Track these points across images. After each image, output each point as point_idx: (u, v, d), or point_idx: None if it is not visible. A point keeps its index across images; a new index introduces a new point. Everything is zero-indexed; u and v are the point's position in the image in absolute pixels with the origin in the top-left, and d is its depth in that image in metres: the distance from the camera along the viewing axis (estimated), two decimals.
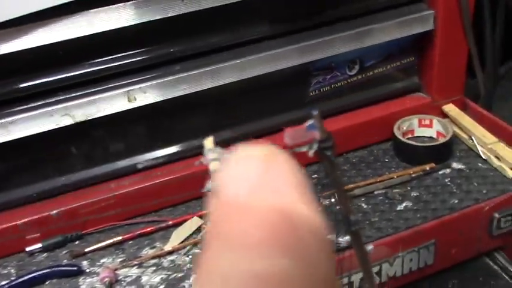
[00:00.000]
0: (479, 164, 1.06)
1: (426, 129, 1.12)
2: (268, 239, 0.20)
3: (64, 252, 0.96)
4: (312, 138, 0.30)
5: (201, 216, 0.99)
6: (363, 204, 0.98)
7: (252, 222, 0.20)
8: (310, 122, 0.30)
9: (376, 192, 1.01)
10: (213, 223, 0.22)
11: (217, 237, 0.21)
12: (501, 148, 1.03)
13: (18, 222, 0.93)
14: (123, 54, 0.90)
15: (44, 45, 0.84)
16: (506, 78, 1.59)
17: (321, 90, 1.07)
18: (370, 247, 0.31)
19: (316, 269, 0.20)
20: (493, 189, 0.99)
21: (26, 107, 0.88)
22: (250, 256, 0.19)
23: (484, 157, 1.06)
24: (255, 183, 0.22)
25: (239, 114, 1.04)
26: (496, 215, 0.96)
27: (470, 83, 1.20)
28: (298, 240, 0.20)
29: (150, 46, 0.92)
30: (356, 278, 0.89)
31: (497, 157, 1.03)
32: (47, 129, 0.88)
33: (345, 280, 0.89)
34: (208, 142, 0.30)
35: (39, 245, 0.95)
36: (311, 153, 0.30)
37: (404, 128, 1.11)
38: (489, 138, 1.06)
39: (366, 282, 0.38)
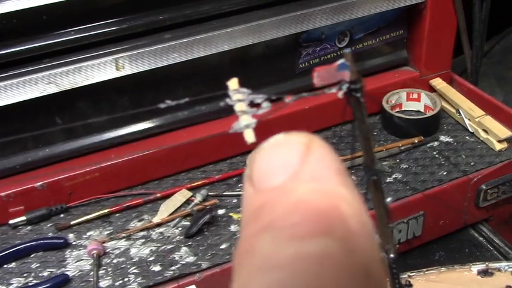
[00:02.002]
0: (467, 137, 1.06)
1: (414, 102, 1.12)
2: (311, 221, 0.19)
3: (49, 225, 0.93)
4: (342, 79, 0.29)
5: (189, 189, 0.97)
6: (352, 177, 0.98)
7: (295, 206, 0.20)
8: (341, 61, 0.28)
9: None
10: (251, 210, 0.21)
11: (257, 222, 0.20)
12: (488, 121, 1.04)
13: (1, 194, 0.90)
14: (111, 20, 0.87)
15: (28, 8, 0.81)
16: (489, 56, 1.60)
17: (311, 62, 1.06)
18: (389, 199, 0.30)
19: (361, 255, 0.19)
20: (480, 162, 1.00)
21: (9, 73, 0.84)
22: (294, 238, 0.19)
23: (471, 130, 1.06)
24: (296, 169, 0.21)
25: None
26: (483, 187, 0.97)
27: (455, 61, 1.21)
28: (343, 223, 0.19)
29: (140, 13, 0.89)
30: None
31: (484, 130, 1.04)
32: (31, 97, 0.85)
33: None
34: (233, 83, 0.28)
35: (23, 218, 0.92)
36: (340, 94, 0.29)
37: (393, 102, 1.11)
38: (476, 111, 1.06)
39: (382, 237, 0.37)
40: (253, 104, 0.28)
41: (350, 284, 0.18)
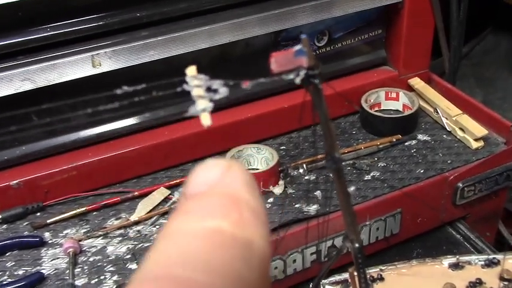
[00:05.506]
0: (444, 136, 1.07)
1: (393, 102, 1.13)
2: (213, 210, 0.26)
3: (25, 224, 0.92)
4: (300, 65, 0.29)
5: (168, 187, 0.97)
6: (332, 174, 0.99)
7: (206, 201, 0.27)
8: (298, 47, 0.28)
9: (344, 163, 1.01)
10: (177, 208, 0.28)
11: (177, 212, 0.27)
12: (465, 120, 1.05)
13: None
14: (88, 17, 0.86)
15: (2, 4, 0.80)
16: (469, 57, 1.62)
17: None
18: (352, 188, 0.31)
19: (247, 235, 0.26)
20: (457, 160, 1.01)
21: None
22: (198, 219, 0.26)
23: (448, 129, 1.07)
24: (215, 182, 0.28)
25: None
26: (460, 185, 0.98)
27: (433, 63, 1.22)
28: (237, 212, 0.26)
29: (116, 10, 0.88)
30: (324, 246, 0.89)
31: (461, 129, 1.05)
32: (6, 95, 0.84)
33: (313, 249, 0.89)
34: (191, 70, 0.28)
35: None
36: (298, 80, 0.29)
37: (372, 101, 1.12)
38: (453, 110, 1.07)
39: (347, 227, 0.37)
40: (210, 90, 0.29)
41: (231, 250, 0.25)
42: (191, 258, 0.24)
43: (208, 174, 0.29)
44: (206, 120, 0.28)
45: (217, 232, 0.25)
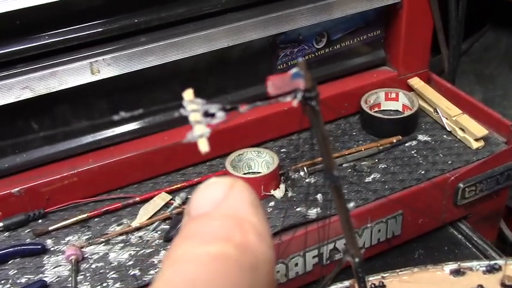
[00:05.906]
0: (444, 136, 1.07)
1: (392, 102, 1.13)
2: (217, 232, 0.26)
3: (27, 231, 0.92)
4: (297, 87, 0.29)
5: (169, 192, 0.97)
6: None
7: (209, 223, 0.27)
8: (295, 70, 0.28)
9: (344, 165, 1.01)
10: (182, 231, 0.28)
11: (181, 235, 0.28)
12: (465, 120, 1.05)
13: None
14: (86, 24, 0.86)
15: (0, 13, 0.80)
16: (468, 54, 1.62)
17: (289, 63, 1.06)
18: (351, 204, 0.31)
19: (252, 257, 0.26)
20: (458, 160, 1.01)
21: None
22: (202, 243, 0.26)
23: (448, 129, 1.07)
24: (218, 202, 0.28)
25: (207, 88, 1.02)
26: (461, 185, 0.98)
27: (432, 60, 1.22)
28: (242, 235, 0.26)
29: (115, 16, 0.88)
30: (326, 249, 0.90)
31: (461, 129, 1.05)
32: (6, 103, 0.84)
33: (315, 252, 0.89)
34: (188, 94, 0.28)
35: (0, 224, 0.91)
36: (295, 103, 0.29)
37: (371, 102, 1.12)
38: (453, 110, 1.07)
39: (347, 241, 0.38)
40: (208, 114, 0.29)
41: (236, 275, 0.25)
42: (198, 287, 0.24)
43: (211, 193, 0.29)
44: (204, 146, 0.28)
45: (222, 257, 0.25)
